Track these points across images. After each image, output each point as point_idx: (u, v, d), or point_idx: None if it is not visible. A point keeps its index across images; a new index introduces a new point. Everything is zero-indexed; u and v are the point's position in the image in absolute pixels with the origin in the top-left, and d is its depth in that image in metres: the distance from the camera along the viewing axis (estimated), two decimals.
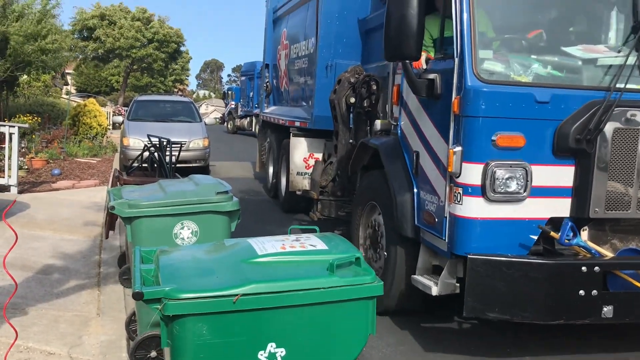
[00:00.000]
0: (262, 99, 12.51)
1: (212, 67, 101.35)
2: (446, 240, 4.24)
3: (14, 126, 10.33)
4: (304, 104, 9.55)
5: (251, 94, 28.55)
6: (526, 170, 4.04)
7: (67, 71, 39.18)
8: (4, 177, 9.92)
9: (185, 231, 4.16)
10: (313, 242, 2.96)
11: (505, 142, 4.00)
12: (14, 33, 15.41)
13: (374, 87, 6.86)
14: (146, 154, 8.95)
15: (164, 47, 38.10)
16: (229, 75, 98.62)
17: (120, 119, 17.18)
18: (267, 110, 12.07)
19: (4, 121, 13.43)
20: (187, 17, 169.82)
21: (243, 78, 31.74)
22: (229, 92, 35.87)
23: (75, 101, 23.30)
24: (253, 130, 28.45)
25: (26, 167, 12.46)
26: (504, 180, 4.02)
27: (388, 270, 5.03)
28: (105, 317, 4.68)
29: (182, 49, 41.12)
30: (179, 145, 10.21)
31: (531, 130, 4.04)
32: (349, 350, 2.69)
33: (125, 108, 33.15)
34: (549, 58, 4.24)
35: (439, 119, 4.38)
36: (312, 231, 3.26)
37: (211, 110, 46.68)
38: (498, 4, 4.48)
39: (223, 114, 38.45)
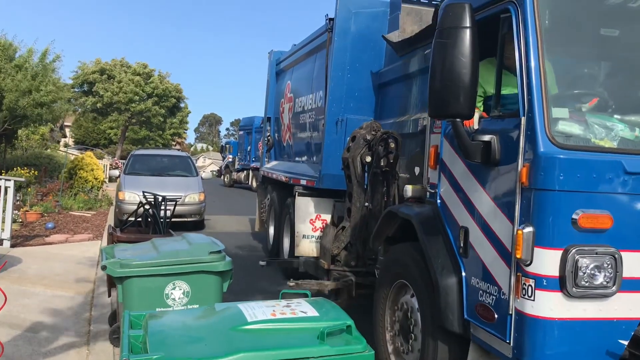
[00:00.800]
0: (263, 153, 11.61)
1: (211, 121, 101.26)
2: (511, 344, 3.22)
3: (10, 179, 10.09)
4: (311, 160, 8.63)
5: (249, 147, 28.70)
6: (615, 258, 3.07)
7: (65, 124, 38.48)
8: None
9: (177, 291, 4.00)
10: (304, 308, 2.80)
11: (589, 223, 3.04)
12: (8, 90, 14.84)
13: (392, 145, 5.97)
14: (141, 210, 8.15)
15: (163, 101, 37.52)
16: (227, 129, 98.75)
17: (116, 172, 16.45)
18: (268, 166, 11.14)
19: (1, 174, 13.33)
20: (187, 72, 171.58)
21: (241, 132, 31.77)
22: (227, 146, 35.48)
23: (72, 154, 22.49)
24: (250, 183, 28.80)
25: (20, 220, 12.17)
26: (588, 271, 3.04)
27: None
28: None
29: (181, 104, 40.55)
30: (174, 202, 9.39)
31: (620, 208, 3.09)
32: None
33: (123, 161, 32.47)
34: (637, 119, 3.33)
35: (497, 190, 3.43)
36: (304, 296, 3.07)
37: (208, 163, 45.96)
38: (572, 51, 3.60)
39: (220, 167, 37.86)
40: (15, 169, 16.99)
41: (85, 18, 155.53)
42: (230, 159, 32.62)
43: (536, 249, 3.07)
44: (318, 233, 7.74)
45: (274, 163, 11.03)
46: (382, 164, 6.09)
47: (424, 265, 4.02)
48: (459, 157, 3.80)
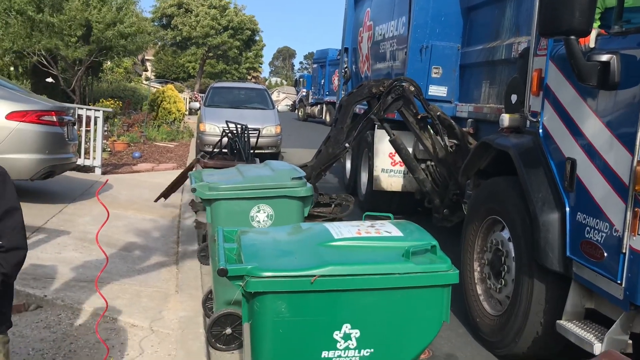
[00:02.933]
0: (340, 86, 11.27)
1: (285, 55, 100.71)
2: (623, 285, 2.91)
3: (99, 110, 10.34)
4: None
5: (322, 81, 28.17)
6: None
7: (146, 58, 39.19)
8: (89, 159, 9.99)
9: (262, 214, 4.05)
10: (388, 228, 2.76)
11: None
12: (95, 20, 15.15)
13: (412, 89, 6.17)
14: (225, 139, 8.16)
15: (239, 34, 37.32)
16: (300, 63, 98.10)
17: (197, 105, 16.63)
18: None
19: (89, 105, 13.66)
20: (260, 3, 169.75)
21: (315, 66, 31.09)
22: (301, 80, 35.04)
23: (154, 87, 22.95)
24: (323, 117, 28.42)
25: (109, 149, 12.46)
26: None
27: (518, 308, 3.74)
28: (183, 293, 4.75)
29: (256, 37, 40.22)
30: (257, 132, 9.35)
31: None
32: (422, 336, 2.56)
33: (202, 95, 32.93)
34: None
35: (614, 118, 3.02)
36: (386, 218, 2.96)
37: (282, 98, 45.89)
38: None
39: (294, 102, 37.70)
40: (101, 100, 17.53)
41: None
42: (304, 93, 32.19)
43: None
44: (397, 167, 7.47)
45: None
46: (413, 111, 5.79)
47: (521, 200, 3.70)
48: (568, 81, 3.38)
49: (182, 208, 7.94)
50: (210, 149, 12.68)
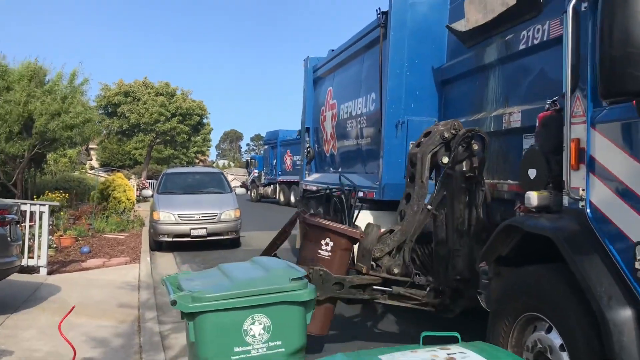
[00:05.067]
0: (303, 166, 10.77)
1: (231, 137, 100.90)
2: None
3: (44, 204, 9.33)
4: (364, 170, 7.77)
5: (274, 161, 28.30)
6: None
7: (90, 147, 38.02)
8: (33, 258, 8.95)
9: (257, 326, 3.35)
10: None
11: None
12: (38, 113, 14.34)
13: (476, 147, 5.10)
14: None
15: (187, 120, 36.90)
16: (247, 145, 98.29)
17: (149, 192, 15.69)
18: (309, 179, 10.31)
19: (33, 199, 12.84)
20: (206, 89, 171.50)
21: (266, 146, 31.32)
22: (252, 161, 34.84)
23: (102, 176, 21.88)
24: (277, 197, 28.50)
25: (55, 245, 11.38)
26: None
27: None
28: None
29: (204, 121, 39.90)
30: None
31: None
32: None
33: (150, 181, 31.96)
34: None
35: None
36: (453, 340, 2.23)
37: (231, 179, 45.20)
38: None
39: (243, 182, 37.25)
40: (46, 193, 16.39)
41: (103, 40, 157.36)
42: (256, 174, 32.07)
43: None
44: None
45: (316, 176, 10.20)
46: (464, 168, 5.22)
47: (574, 294, 3.07)
48: (626, 152, 2.88)
49: (141, 309, 7.00)
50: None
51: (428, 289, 5.27)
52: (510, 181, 5.13)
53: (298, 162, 25.89)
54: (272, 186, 29.23)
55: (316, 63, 10.33)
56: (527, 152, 3.89)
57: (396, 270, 5.34)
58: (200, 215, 12.31)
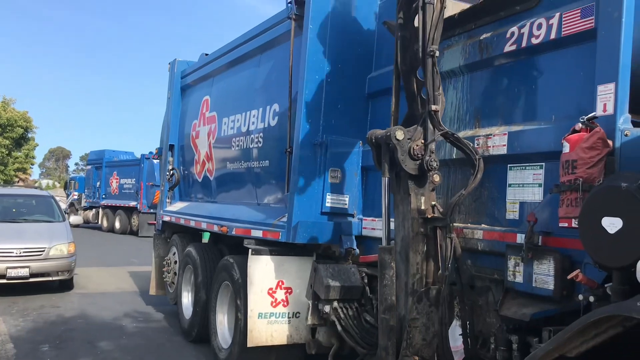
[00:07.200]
0: (164, 192, 8.71)
1: (58, 155, 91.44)
2: None
3: None
4: (260, 201, 6.07)
5: (98, 184, 26.83)
6: None
7: None
8: None
9: None
10: None
11: None
12: None
13: (437, 179, 3.82)
14: None
15: (7, 132, 31.78)
16: (76, 164, 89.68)
17: None
18: (173, 209, 8.30)
19: None
20: (32, 97, 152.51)
21: (89, 167, 29.33)
22: (72, 182, 31.44)
23: None
24: (100, 222, 26.55)
25: None
26: None
27: None
28: None
29: (28, 135, 34.74)
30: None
31: None
32: None
33: None
34: None
35: None
36: None
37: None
38: None
39: (72, 204, 33.30)
40: None
41: None
42: (76, 196, 29.32)
43: None
44: (280, 309, 5.17)
45: (182, 205, 8.22)
46: (422, 206, 3.81)
47: None
48: None
49: None
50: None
51: None
52: (484, 226, 3.82)
53: (126, 186, 24.16)
54: (94, 210, 27.27)
55: (185, 68, 8.46)
56: (602, 192, 2.51)
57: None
58: (21, 251, 9.59)
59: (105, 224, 25.62)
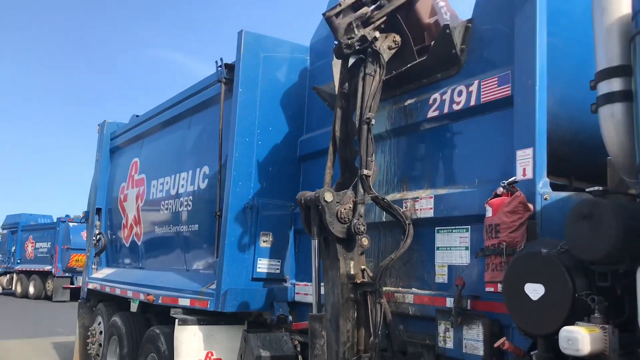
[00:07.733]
0: (90, 258, 8.29)
1: None
2: None
3: None
4: (188, 267, 5.84)
5: (13, 248, 25.95)
6: None
7: None
8: None
9: None
10: None
11: None
12: None
13: (366, 243, 3.78)
14: None
15: None
16: None
17: None
18: (99, 275, 7.90)
19: None
20: None
21: (5, 231, 28.28)
22: None
23: None
24: (14, 288, 25.43)
25: None
26: None
27: None
28: None
29: None
30: None
31: None
32: None
33: None
34: None
35: None
36: None
37: None
38: None
39: None
40: None
41: None
42: None
43: None
44: None
45: (108, 271, 7.83)
46: (352, 271, 3.73)
47: None
48: None
49: None
50: None
51: None
52: (415, 290, 3.78)
53: (41, 249, 23.44)
54: (8, 275, 26.15)
55: (115, 129, 8.26)
56: (523, 258, 2.51)
57: None
58: None
59: (19, 289, 24.61)
